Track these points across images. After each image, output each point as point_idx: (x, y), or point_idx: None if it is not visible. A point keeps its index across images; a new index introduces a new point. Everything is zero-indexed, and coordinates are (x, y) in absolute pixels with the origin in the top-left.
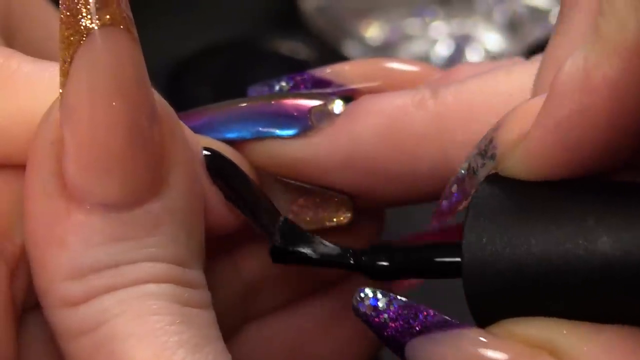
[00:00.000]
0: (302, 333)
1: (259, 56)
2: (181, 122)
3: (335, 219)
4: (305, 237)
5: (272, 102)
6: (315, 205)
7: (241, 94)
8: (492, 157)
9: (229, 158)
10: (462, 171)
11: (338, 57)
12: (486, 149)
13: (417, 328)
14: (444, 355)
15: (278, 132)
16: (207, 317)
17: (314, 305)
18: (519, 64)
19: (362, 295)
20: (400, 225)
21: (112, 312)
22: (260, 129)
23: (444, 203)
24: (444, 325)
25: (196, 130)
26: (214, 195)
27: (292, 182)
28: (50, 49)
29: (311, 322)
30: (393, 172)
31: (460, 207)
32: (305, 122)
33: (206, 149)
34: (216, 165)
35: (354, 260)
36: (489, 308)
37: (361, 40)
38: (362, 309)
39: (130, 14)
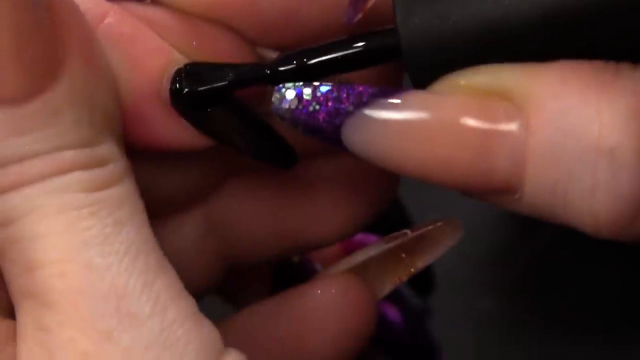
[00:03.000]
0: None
1: None
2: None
3: None
4: (211, 68)
5: None
6: None
7: None
8: None
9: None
10: None
11: None
12: None
13: (352, 105)
14: (385, 124)
15: None
16: (120, 193)
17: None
18: None
19: (282, 90)
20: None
21: (20, 211)
22: None
23: None
24: (380, 95)
25: None
26: (178, 127)
27: None
28: None
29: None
30: None
31: None
32: None
33: (185, 74)
34: (189, 100)
35: (270, 70)
36: (434, 76)
37: None
38: (285, 105)
39: None
